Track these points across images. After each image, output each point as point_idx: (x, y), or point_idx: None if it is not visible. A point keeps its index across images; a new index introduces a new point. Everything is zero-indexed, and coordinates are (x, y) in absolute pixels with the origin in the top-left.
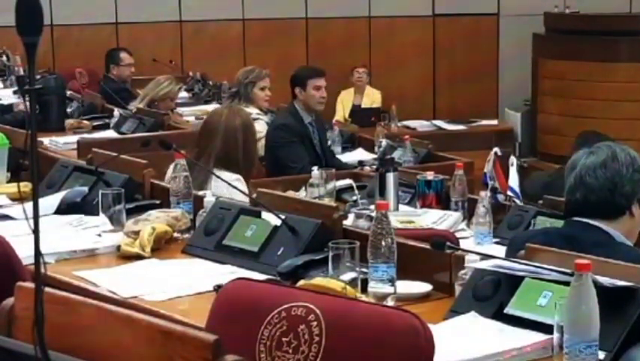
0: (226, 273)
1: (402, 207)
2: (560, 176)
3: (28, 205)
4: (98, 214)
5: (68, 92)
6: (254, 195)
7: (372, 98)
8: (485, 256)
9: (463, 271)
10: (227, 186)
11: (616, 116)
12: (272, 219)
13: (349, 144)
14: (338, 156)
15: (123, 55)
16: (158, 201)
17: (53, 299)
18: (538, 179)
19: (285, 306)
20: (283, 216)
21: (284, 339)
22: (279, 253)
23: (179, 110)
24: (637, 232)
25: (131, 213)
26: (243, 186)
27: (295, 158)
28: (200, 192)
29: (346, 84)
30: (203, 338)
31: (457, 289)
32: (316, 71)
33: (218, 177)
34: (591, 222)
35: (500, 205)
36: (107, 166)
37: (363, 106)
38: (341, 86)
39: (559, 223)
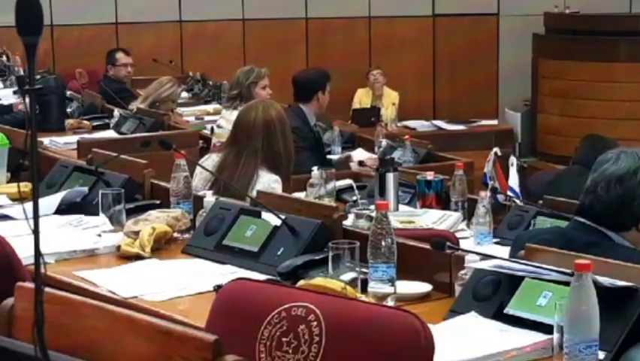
0: (226, 273)
1: (402, 207)
2: (565, 175)
3: (28, 205)
4: (98, 214)
5: (68, 92)
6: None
7: (391, 98)
8: (485, 256)
9: (463, 271)
10: (265, 187)
11: (616, 116)
12: (272, 219)
13: (349, 143)
14: (337, 156)
15: (118, 55)
16: (158, 201)
17: (53, 299)
18: (544, 177)
19: (285, 306)
20: (283, 216)
21: (284, 339)
22: (279, 253)
23: (179, 110)
24: None
25: (131, 213)
26: (280, 188)
27: (301, 163)
28: (200, 193)
29: (347, 84)
30: (203, 338)
31: (457, 289)
32: (329, 75)
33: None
34: (593, 224)
35: (500, 205)
36: (107, 166)
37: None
38: (341, 86)
39: (559, 223)
